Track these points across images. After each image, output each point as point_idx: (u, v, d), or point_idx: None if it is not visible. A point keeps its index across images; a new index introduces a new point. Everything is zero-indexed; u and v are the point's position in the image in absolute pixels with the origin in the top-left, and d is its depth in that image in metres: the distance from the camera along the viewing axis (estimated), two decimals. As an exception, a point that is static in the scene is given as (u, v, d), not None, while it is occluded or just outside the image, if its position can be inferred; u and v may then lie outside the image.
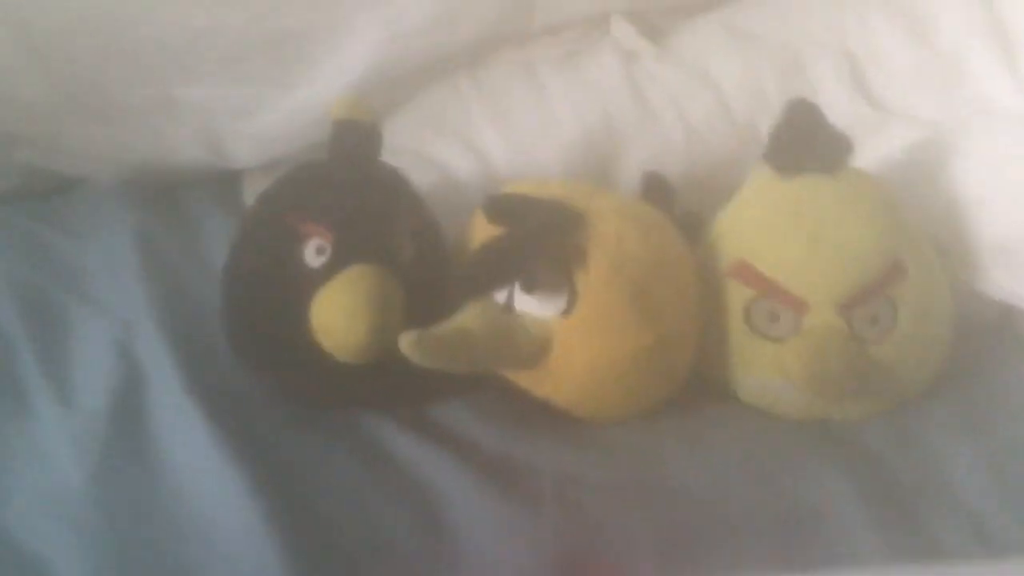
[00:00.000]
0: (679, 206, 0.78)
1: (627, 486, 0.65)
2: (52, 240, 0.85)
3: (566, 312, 0.65)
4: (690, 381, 0.71)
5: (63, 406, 0.67)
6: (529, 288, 0.65)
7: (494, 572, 0.59)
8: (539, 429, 0.69)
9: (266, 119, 0.87)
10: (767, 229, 0.69)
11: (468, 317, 0.65)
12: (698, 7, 0.87)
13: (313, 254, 0.66)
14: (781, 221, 0.69)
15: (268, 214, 0.70)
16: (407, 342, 0.61)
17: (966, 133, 0.77)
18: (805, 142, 0.69)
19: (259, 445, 0.64)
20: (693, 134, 0.83)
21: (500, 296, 0.67)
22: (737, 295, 0.69)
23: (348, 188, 0.68)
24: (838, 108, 0.76)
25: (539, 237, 0.64)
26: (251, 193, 0.92)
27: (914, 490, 0.65)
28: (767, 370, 0.68)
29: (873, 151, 0.75)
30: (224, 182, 0.94)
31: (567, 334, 0.66)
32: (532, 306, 0.66)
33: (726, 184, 0.84)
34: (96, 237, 0.86)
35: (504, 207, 0.66)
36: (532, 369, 0.67)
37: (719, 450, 0.68)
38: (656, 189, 0.78)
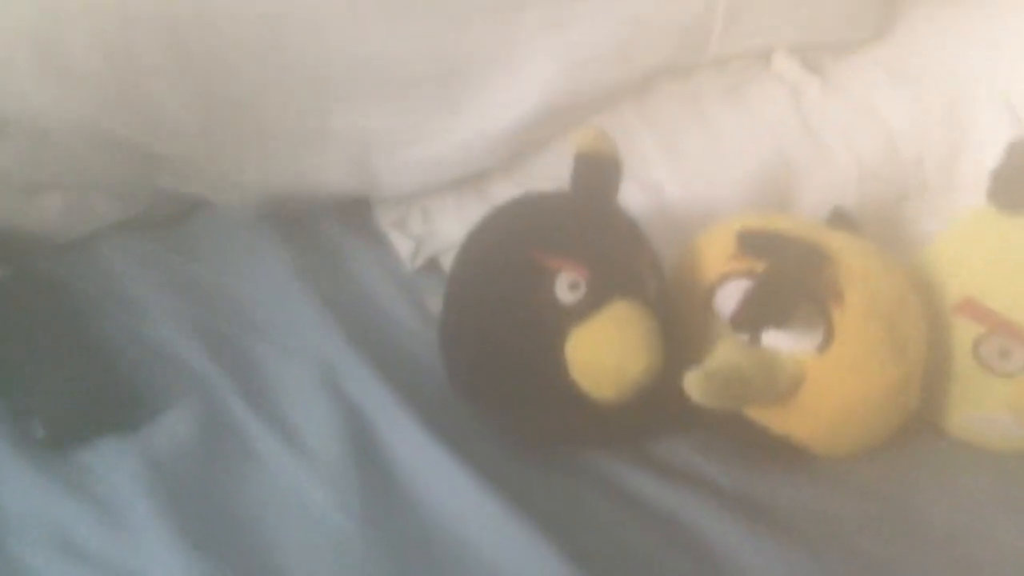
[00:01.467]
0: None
1: (886, 523, 0.65)
2: (203, 274, 0.81)
3: (821, 348, 0.65)
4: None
5: (299, 453, 0.64)
6: (785, 325, 0.65)
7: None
8: (770, 466, 0.69)
9: (427, 149, 0.84)
10: (995, 266, 0.70)
11: (733, 354, 0.64)
12: (856, 44, 0.89)
13: (566, 290, 0.64)
14: (1009, 257, 0.70)
15: (503, 247, 0.67)
16: (694, 380, 0.60)
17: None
18: (1029, 181, 0.71)
19: (510, 483, 0.62)
20: (865, 170, 0.84)
21: (744, 334, 0.67)
22: (964, 332, 0.70)
23: (596, 222, 0.66)
24: (998, 152, 0.78)
25: (802, 273, 0.64)
26: (387, 221, 0.89)
27: None
28: (997, 406, 0.69)
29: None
30: (350, 208, 0.91)
31: (822, 370, 0.65)
32: (782, 342, 0.66)
33: (893, 220, 0.86)
34: (249, 270, 0.82)
35: (761, 243, 0.66)
36: (779, 405, 0.66)
37: (963, 485, 0.69)
38: (843, 225, 0.78)
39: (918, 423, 0.72)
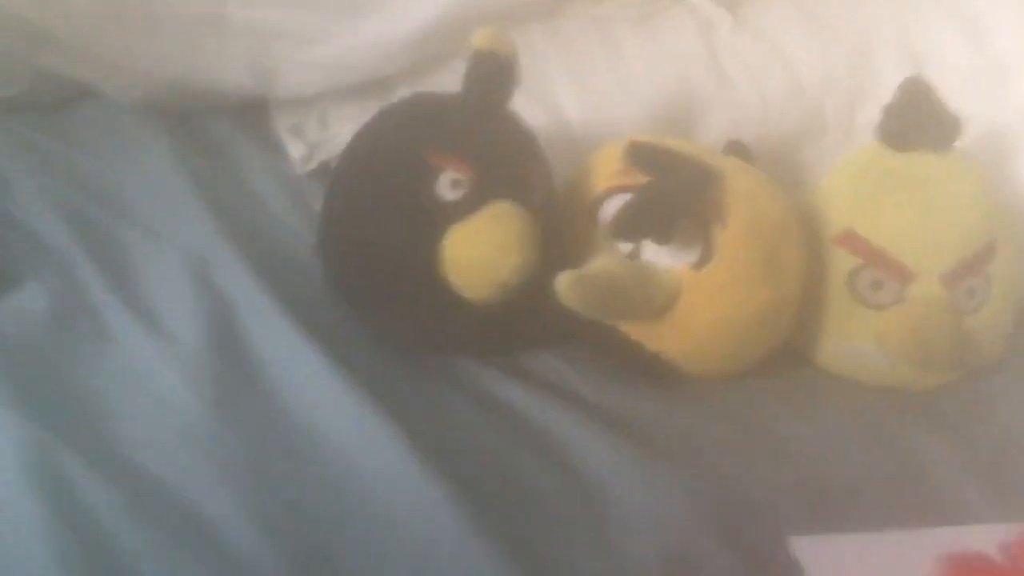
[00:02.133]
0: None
1: (745, 444, 0.65)
2: (80, 160, 0.79)
3: (698, 265, 0.65)
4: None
5: (156, 336, 0.61)
6: (665, 240, 0.64)
7: (639, 521, 0.58)
8: (639, 384, 0.68)
9: (327, 49, 0.82)
10: (877, 200, 0.71)
11: (610, 264, 0.63)
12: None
13: (448, 187, 0.63)
14: (892, 193, 0.71)
15: (390, 143, 0.66)
16: (566, 283, 0.59)
17: (1015, 134, 0.82)
18: (918, 119, 0.71)
19: (376, 383, 0.61)
20: (768, 108, 0.84)
21: (625, 247, 0.66)
22: (842, 263, 0.71)
23: (487, 122, 0.65)
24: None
25: (688, 190, 0.64)
26: (283, 126, 0.87)
27: (1001, 449, 0.68)
28: (864, 336, 0.70)
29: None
30: (246, 112, 0.89)
31: (698, 287, 0.65)
32: (661, 257, 0.65)
33: (791, 160, 0.86)
34: (129, 160, 0.79)
35: (651, 157, 0.65)
36: (653, 321, 0.66)
37: (821, 412, 0.69)
38: (739, 157, 0.78)
39: (790, 354, 0.73)
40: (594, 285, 0.61)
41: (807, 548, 0.58)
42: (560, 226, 0.68)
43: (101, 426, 0.54)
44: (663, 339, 0.67)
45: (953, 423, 0.70)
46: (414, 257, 0.63)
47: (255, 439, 0.56)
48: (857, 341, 0.71)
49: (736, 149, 0.79)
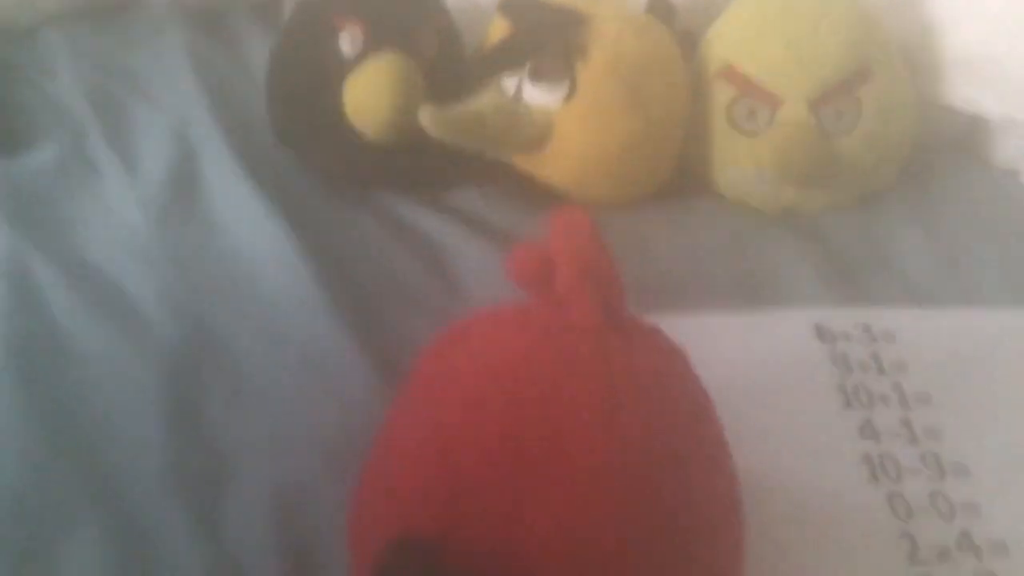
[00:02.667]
0: (679, 24, 0.86)
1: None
2: (115, 51, 0.96)
3: (567, 100, 0.75)
4: (677, 178, 0.81)
5: (128, 175, 0.78)
6: (535, 76, 0.74)
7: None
8: (541, 212, 0.79)
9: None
10: (752, 34, 0.77)
11: (480, 101, 0.74)
12: None
13: (347, 44, 0.75)
14: (764, 27, 0.77)
15: (308, 12, 0.79)
16: (426, 114, 0.71)
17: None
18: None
19: (298, 211, 0.75)
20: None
21: (510, 88, 0.76)
22: (722, 95, 0.78)
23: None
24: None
25: (546, 32, 0.73)
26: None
27: (860, 260, 0.74)
28: (744, 162, 0.77)
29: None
30: (269, 7, 1.04)
31: (566, 120, 0.75)
32: (537, 96, 0.75)
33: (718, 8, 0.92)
34: (152, 50, 0.96)
35: (517, 6, 0.75)
36: (535, 153, 0.76)
37: (696, 232, 0.77)
38: (660, 7, 0.85)
39: (695, 181, 0.82)
40: (454, 117, 0.72)
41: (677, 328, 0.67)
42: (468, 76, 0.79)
43: (67, 237, 0.71)
44: (549, 168, 0.77)
45: (831, 237, 0.77)
46: (327, 107, 0.76)
47: (185, 248, 0.71)
48: (738, 165, 0.78)
49: (657, 2, 0.86)
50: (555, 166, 0.77)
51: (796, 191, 0.78)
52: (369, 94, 0.73)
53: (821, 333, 0.66)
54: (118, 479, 0.55)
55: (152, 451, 0.57)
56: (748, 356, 0.64)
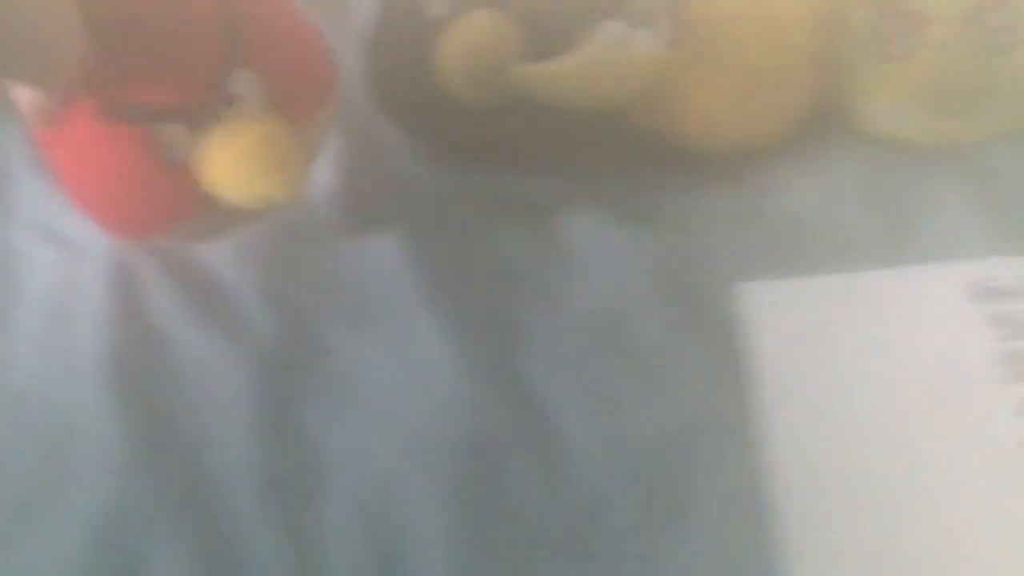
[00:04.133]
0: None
1: (738, 212, 0.67)
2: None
3: (674, 43, 0.67)
4: (810, 118, 0.72)
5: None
6: (637, 21, 0.67)
7: (599, 279, 0.64)
8: (655, 166, 0.72)
9: None
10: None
11: (580, 53, 0.68)
12: None
13: (437, 5, 0.70)
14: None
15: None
16: (522, 72, 0.65)
17: None
18: None
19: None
20: None
21: (613, 37, 0.70)
22: (858, 18, 0.68)
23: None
24: None
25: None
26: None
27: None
28: (891, 93, 0.68)
29: None
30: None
31: (676, 65, 0.67)
32: (642, 42, 0.68)
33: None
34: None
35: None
36: (648, 105, 0.69)
37: (836, 176, 0.69)
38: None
39: (832, 119, 0.72)
40: (547, 76, 0.66)
41: (752, 294, 0.60)
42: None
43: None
44: (666, 119, 0.70)
45: (996, 171, 0.67)
46: (421, 71, 0.71)
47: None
48: (885, 98, 0.69)
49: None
50: (672, 116, 0.70)
51: (952, 122, 0.68)
52: (459, 56, 0.68)
53: (979, 292, 0.56)
54: (211, 492, 0.54)
55: (246, 462, 0.55)
56: (890, 321, 0.56)
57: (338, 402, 0.58)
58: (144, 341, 0.62)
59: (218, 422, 0.57)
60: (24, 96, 0.60)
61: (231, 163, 0.60)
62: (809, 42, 0.69)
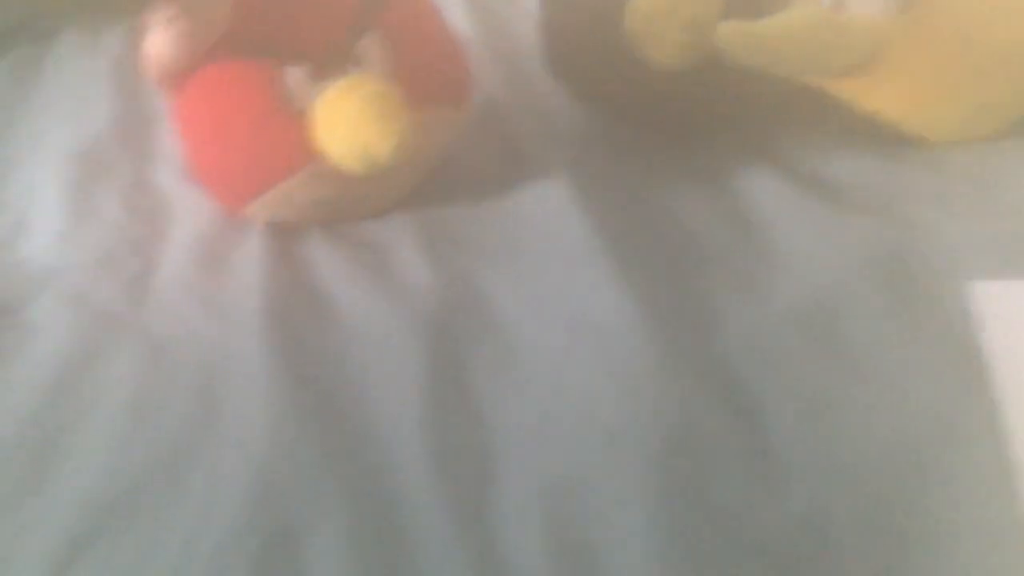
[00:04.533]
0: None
1: (959, 201, 0.60)
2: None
3: (903, 8, 0.60)
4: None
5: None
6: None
7: (795, 265, 0.57)
8: (861, 148, 0.65)
9: None
10: None
11: (792, 13, 0.61)
12: None
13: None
14: None
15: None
16: (726, 32, 0.59)
17: None
18: None
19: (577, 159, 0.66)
20: None
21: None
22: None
23: None
24: None
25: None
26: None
27: None
28: None
29: None
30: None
31: (902, 33, 0.60)
32: (863, 4, 0.61)
33: None
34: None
35: None
36: (858, 76, 0.62)
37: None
38: None
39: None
40: (759, 37, 0.59)
41: (987, 294, 0.53)
42: None
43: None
44: (875, 95, 0.63)
45: None
46: (605, 31, 0.65)
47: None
48: None
49: None
50: (884, 92, 0.62)
51: None
52: (655, 12, 0.62)
53: None
54: (373, 464, 0.48)
55: (412, 432, 0.49)
56: None
57: (509, 372, 0.52)
58: (302, 296, 0.57)
59: (383, 386, 0.52)
60: (156, 50, 0.58)
61: (343, 114, 0.57)
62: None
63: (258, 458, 0.48)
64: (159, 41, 0.59)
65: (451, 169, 0.66)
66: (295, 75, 0.58)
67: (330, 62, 0.58)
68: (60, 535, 0.46)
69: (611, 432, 0.48)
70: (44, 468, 0.49)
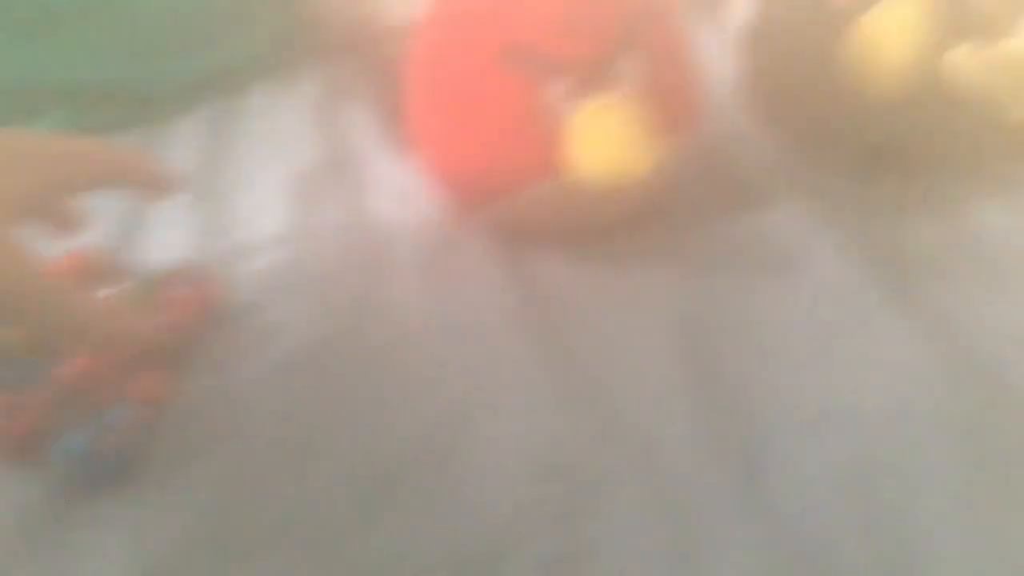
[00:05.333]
0: None
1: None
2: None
3: None
4: None
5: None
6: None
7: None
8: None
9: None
10: None
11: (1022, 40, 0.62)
12: None
13: (843, -5, 0.66)
14: None
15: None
16: (961, 53, 0.60)
17: None
18: None
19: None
20: None
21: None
22: None
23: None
24: None
25: None
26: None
27: None
28: None
29: None
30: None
31: None
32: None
33: None
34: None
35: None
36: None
37: None
38: None
39: None
40: (994, 64, 0.60)
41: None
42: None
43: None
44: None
45: None
46: (815, 57, 0.67)
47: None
48: None
49: None
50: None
51: None
52: (891, 27, 0.63)
53: None
54: (646, 439, 0.49)
55: (679, 409, 0.50)
56: None
57: (771, 369, 0.52)
58: (545, 304, 0.59)
59: (644, 381, 0.52)
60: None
61: (600, 131, 0.59)
62: None
63: (546, 434, 0.49)
64: None
65: (674, 192, 0.67)
66: (556, 88, 0.60)
67: (590, 79, 0.60)
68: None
69: (896, 415, 0.48)
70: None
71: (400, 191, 0.71)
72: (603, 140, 0.59)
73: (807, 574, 0.42)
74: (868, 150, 0.68)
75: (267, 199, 0.73)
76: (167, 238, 0.69)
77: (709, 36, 0.92)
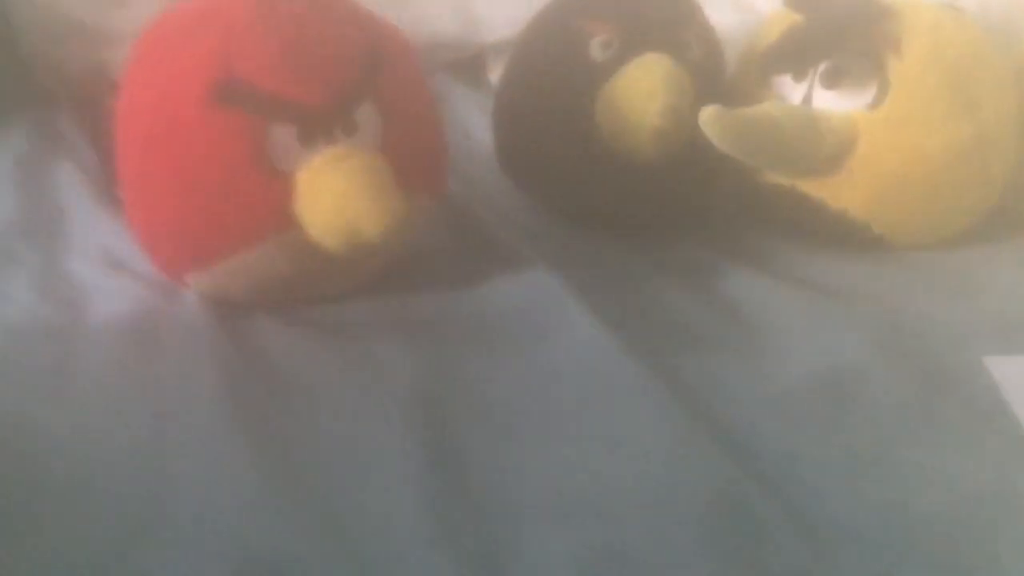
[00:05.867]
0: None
1: (945, 292, 0.59)
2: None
3: (874, 105, 0.61)
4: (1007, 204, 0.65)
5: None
6: (832, 82, 0.61)
7: (796, 350, 0.54)
8: (836, 248, 0.64)
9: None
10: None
11: (770, 105, 0.61)
12: None
13: (599, 49, 0.63)
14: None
15: (550, 20, 0.68)
16: (709, 116, 0.57)
17: None
18: None
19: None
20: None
21: (793, 95, 0.63)
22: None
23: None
24: None
25: (849, 24, 0.60)
26: (495, 75, 0.92)
27: None
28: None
29: None
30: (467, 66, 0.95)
31: (875, 128, 0.61)
32: (832, 102, 0.62)
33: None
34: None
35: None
36: (828, 174, 0.62)
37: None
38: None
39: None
40: (743, 122, 0.58)
41: (1002, 368, 0.52)
42: (735, 91, 0.66)
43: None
44: (845, 193, 0.62)
45: None
46: (574, 122, 0.64)
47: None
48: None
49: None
50: (854, 189, 0.62)
51: None
52: (636, 97, 0.60)
53: None
54: (368, 534, 0.41)
55: (409, 499, 0.43)
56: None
57: (513, 450, 0.46)
58: (261, 375, 0.50)
59: (373, 466, 0.44)
60: None
61: (332, 184, 0.52)
62: (1016, 115, 0.63)
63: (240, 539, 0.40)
64: None
65: (415, 258, 0.61)
66: (282, 134, 0.53)
67: (322, 126, 0.53)
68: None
69: (646, 501, 0.42)
70: None
71: (105, 254, 0.62)
72: (334, 197, 0.52)
73: None
74: (621, 215, 0.66)
75: None
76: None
77: (468, 100, 0.90)
